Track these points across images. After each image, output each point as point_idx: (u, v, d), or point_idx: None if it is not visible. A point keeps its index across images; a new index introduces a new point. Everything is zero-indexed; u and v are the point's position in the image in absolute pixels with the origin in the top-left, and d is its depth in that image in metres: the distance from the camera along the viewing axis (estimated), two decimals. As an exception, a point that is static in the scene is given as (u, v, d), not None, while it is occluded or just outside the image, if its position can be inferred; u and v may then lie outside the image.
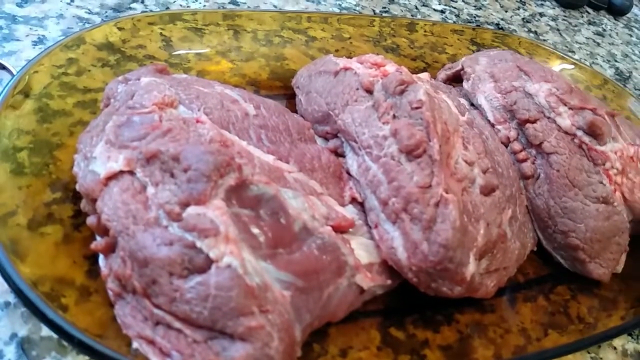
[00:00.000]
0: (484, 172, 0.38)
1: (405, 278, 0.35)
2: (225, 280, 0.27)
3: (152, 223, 0.29)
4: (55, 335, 0.31)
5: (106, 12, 0.54)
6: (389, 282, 0.36)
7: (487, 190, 0.38)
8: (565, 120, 0.39)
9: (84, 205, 0.34)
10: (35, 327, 0.31)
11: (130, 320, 0.29)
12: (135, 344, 0.28)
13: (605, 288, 0.44)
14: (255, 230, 0.30)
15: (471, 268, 0.34)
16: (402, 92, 0.37)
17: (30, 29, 0.49)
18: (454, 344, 0.36)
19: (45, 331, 0.31)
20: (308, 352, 0.33)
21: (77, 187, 0.33)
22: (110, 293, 0.30)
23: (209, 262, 0.28)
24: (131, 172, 0.31)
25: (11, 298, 0.32)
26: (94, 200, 0.32)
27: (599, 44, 0.84)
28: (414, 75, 0.44)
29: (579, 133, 0.39)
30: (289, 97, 0.49)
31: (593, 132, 0.38)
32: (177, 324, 0.28)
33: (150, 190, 0.31)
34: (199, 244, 0.28)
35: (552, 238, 0.42)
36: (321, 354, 0.33)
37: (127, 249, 0.29)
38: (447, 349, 0.36)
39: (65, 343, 0.31)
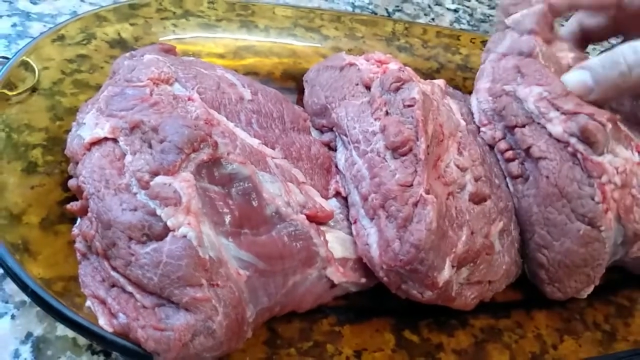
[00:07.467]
0: (476, 179, 0.37)
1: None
2: (177, 249, 0.27)
3: (123, 189, 0.30)
4: (70, 335, 0.31)
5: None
6: (363, 280, 0.35)
7: (478, 199, 0.37)
8: (556, 126, 0.36)
9: (71, 168, 0.35)
10: (51, 326, 0.31)
11: (88, 280, 0.29)
12: (88, 303, 0.29)
13: (622, 295, 0.43)
14: (222, 207, 0.30)
15: (446, 274, 0.33)
16: (397, 89, 0.37)
17: (44, 25, 0.49)
18: (468, 348, 0.36)
19: (61, 331, 0.31)
20: (322, 352, 0.33)
21: (65, 150, 0.34)
22: (77, 253, 0.31)
23: (166, 231, 0.28)
24: (114, 140, 0.32)
25: (27, 297, 0.31)
26: (77, 164, 0.33)
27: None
28: (435, 81, 0.43)
29: (572, 140, 0.36)
30: (300, 93, 0.49)
31: (586, 138, 0.35)
32: (130, 288, 0.28)
33: (128, 158, 0.31)
34: (159, 211, 0.28)
35: (525, 244, 0.39)
36: (335, 354, 0.33)
37: (95, 210, 0.30)
38: (461, 353, 0.36)
39: (80, 343, 0.31)
